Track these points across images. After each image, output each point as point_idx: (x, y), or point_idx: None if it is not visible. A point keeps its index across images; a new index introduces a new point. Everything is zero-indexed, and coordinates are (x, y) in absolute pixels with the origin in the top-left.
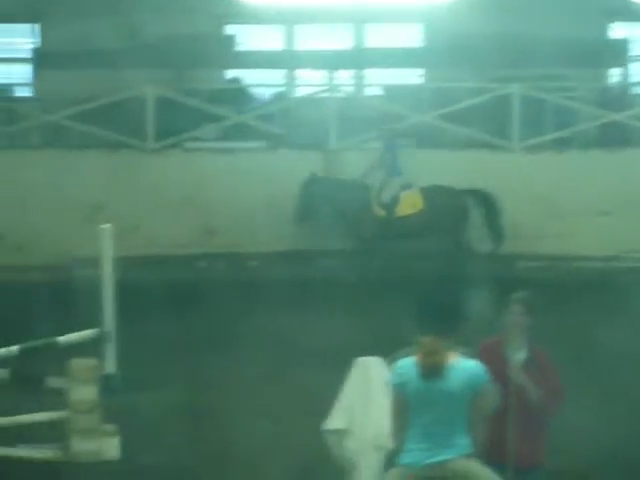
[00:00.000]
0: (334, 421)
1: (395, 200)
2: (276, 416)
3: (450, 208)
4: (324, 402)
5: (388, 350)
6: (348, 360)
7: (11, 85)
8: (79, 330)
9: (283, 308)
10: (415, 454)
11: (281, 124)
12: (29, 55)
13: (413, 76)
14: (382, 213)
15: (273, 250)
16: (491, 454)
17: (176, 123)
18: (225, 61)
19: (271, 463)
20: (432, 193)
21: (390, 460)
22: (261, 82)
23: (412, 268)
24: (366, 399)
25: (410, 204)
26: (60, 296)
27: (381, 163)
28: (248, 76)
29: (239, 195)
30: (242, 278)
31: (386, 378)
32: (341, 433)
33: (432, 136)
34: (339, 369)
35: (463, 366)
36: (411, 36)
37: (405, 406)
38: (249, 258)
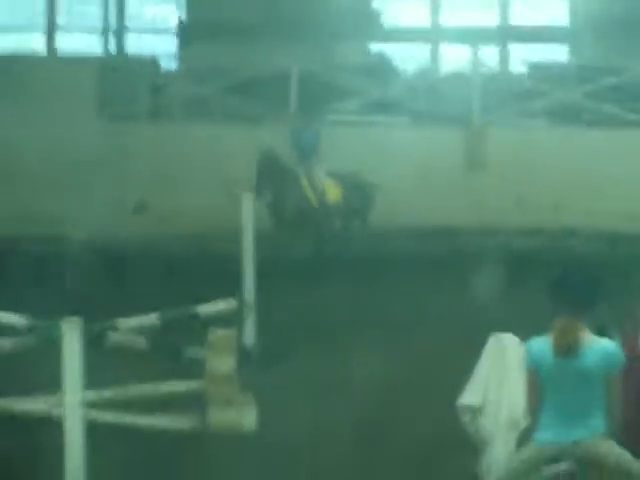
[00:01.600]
0: (468, 397)
1: (323, 189)
2: (410, 390)
3: (359, 195)
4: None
5: None
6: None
7: (156, 57)
8: (220, 300)
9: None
10: (549, 433)
11: (425, 99)
12: (175, 27)
13: (559, 53)
14: (315, 201)
15: (425, 225)
16: (627, 437)
17: (319, 97)
18: (370, 35)
19: (405, 437)
20: (343, 182)
21: (524, 438)
22: (406, 57)
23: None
24: (501, 376)
25: (333, 194)
26: (202, 266)
27: (311, 150)
28: (393, 51)
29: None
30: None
31: (521, 355)
32: (475, 409)
33: (576, 114)
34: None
35: (598, 346)
36: (557, 13)
37: (539, 385)
38: (392, 235)
